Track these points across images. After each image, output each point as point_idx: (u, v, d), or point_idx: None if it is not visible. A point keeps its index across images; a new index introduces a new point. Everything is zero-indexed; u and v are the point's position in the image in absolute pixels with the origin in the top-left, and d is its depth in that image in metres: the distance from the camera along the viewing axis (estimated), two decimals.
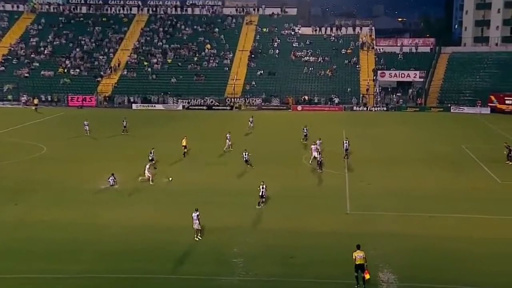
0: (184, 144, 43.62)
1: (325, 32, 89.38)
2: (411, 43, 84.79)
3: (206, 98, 76.27)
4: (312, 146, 40.00)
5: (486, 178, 37.55)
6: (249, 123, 55.20)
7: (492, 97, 70.04)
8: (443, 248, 25.28)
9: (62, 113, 70.20)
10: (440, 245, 25.71)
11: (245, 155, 39.88)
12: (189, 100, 76.23)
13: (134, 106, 76.18)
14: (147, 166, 36.60)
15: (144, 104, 76.41)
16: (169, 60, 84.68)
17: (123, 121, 54.65)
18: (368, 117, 67.31)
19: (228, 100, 76.29)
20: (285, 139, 51.71)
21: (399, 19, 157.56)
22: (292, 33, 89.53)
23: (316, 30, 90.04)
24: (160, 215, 30.24)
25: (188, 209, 30.66)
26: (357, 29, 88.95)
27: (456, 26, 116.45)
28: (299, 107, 73.82)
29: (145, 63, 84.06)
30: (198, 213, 26.49)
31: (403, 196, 33.41)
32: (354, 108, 73.42)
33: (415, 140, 51.23)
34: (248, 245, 26.00)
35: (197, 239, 26.41)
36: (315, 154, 39.58)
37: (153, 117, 66.94)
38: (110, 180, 35.47)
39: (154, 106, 76.17)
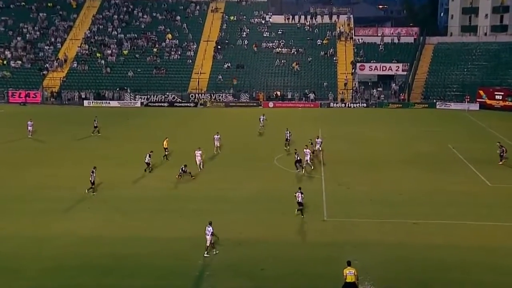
0: (165, 146, 43.64)
1: (299, 21, 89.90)
2: (393, 33, 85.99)
3: (167, 94, 75.96)
4: (305, 150, 39.88)
5: (475, 181, 38.25)
6: (260, 121, 55.14)
7: (481, 92, 71.52)
8: (429, 258, 25.58)
9: (1, 111, 68.79)
10: (426, 254, 26.00)
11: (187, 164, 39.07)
12: (148, 96, 75.70)
13: (85, 102, 75.39)
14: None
15: (98, 101, 75.71)
16: (125, 52, 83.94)
17: (94, 120, 54.05)
18: (347, 114, 67.95)
19: (192, 96, 76.03)
20: (256, 139, 51.76)
21: (380, 6, 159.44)
22: (263, 22, 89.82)
23: (288, 19, 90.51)
24: (116, 224, 29.89)
25: (148, 217, 30.61)
26: (334, 17, 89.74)
27: (442, 14, 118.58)
28: (271, 104, 74.07)
29: (98, 55, 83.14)
30: (211, 228, 25.82)
31: (384, 201, 33.76)
32: (331, 104, 74.03)
33: (397, 140, 51.92)
34: (213, 257, 25.86)
35: (207, 254, 25.76)
36: (307, 158, 39.54)
37: (108, 115, 66.16)
38: (91, 176, 34.76)
39: (109, 102, 75.46)
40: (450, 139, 51.34)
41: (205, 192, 35.52)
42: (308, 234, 28.56)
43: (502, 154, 42.52)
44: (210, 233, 25.90)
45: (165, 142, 43.82)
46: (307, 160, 39.50)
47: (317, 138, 45.06)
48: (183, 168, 38.03)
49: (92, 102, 75.45)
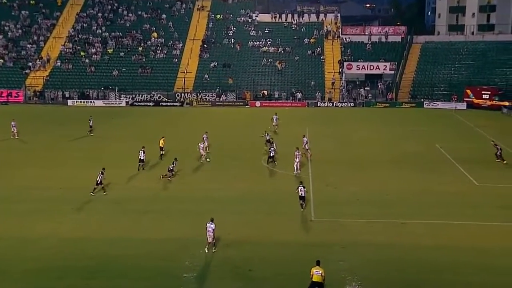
0: (161, 145, 43.74)
1: (286, 20, 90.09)
2: (380, 32, 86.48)
3: (153, 93, 75.82)
4: (296, 153, 40.01)
5: (462, 180, 38.65)
6: (274, 120, 55.26)
7: (468, 91, 72.18)
8: (417, 258, 25.85)
9: None
10: (414, 254, 26.27)
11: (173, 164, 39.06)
12: (134, 96, 75.53)
13: (69, 102, 75.10)
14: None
15: (82, 100, 75.44)
16: (110, 50, 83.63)
17: (89, 120, 53.91)
18: (334, 113, 68.25)
19: (178, 95, 75.98)
20: (243, 139, 51.87)
21: (367, 5, 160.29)
22: (249, 20, 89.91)
23: (275, 17, 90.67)
24: (103, 225, 29.90)
25: (136, 218, 30.65)
26: (321, 16, 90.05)
27: (429, 13, 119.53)
28: (258, 103, 74.22)
29: (82, 54, 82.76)
30: (214, 225, 26.25)
31: (372, 201, 34.04)
32: (319, 104, 74.33)
33: (385, 139, 52.28)
34: (201, 258, 25.99)
35: (207, 250, 26.32)
36: (297, 160, 39.60)
37: (93, 115, 65.89)
38: (98, 176, 34.90)
39: (93, 102, 75.19)
40: (437, 138, 51.80)
41: (192, 193, 35.62)
42: (296, 234, 28.73)
43: (497, 153, 43.02)
44: (212, 229, 26.26)
45: (161, 142, 43.91)
46: (297, 163, 39.35)
47: (303, 137, 45.33)
48: (171, 167, 38.02)
49: (76, 102, 75.11)
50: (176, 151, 43.85)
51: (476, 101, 71.28)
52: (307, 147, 44.40)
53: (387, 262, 25.53)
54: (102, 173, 35.10)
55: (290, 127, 57.13)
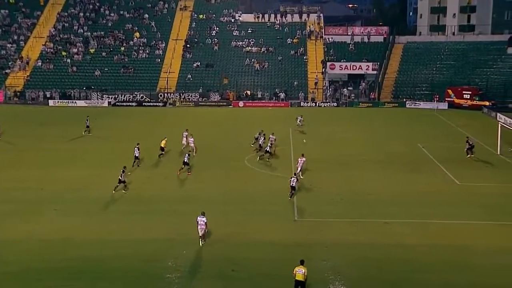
0: (162, 145, 43.83)
1: (269, 20, 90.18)
2: (363, 32, 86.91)
3: (135, 93, 75.42)
4: (299, 159, 39.82)
5: (444, 180, 38.94)
6: (298, 122, 55.13)
7: (450, 91, 72.78)
8: (400, 258, 25.98)
9: None
10: (397, 254, 26.40)
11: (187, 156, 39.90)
12: (116, 96, 75.08)
13: (51, 102, 74.45)
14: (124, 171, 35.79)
15: (63, 100, 74.85)
16: (92, 50, 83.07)
17: (86, 120, 53.57)
18: (317, 113, 68.37)
19: (161, 95, 75.67)
20: (227, 139, 51.79)
21: (350, 5, 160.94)
22: (232, 20, 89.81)
23: (258, 17, 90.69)
24: (85, 227, 29.64)
25: (118, 219, 30.44)
26: (304, 16, 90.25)
27: (410, 13, 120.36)
28: (241, 103, 74.15)
29: (64, 53, 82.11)
30: (205, 218, 26.87)
31: (355, 201, 34.17)
32: (302, 104, 74.47)
33: (368, 139, 52.48)
34: (184, 258, 25.90)
35: (201, 244, 27.03)
36: (299, 167, 39.36)
37: (74, 115, 65.47)
38: (120, 175, 35.10)
39: (75, 102, 74.63)
40: (419, 138, 52.13)
41: (175, 193, 35.50)
42: (279, 234, 28.70)
43: (468, 149, 43.92)
44: (204, 223, 26.79)
45: (163, 142, 44.05)
46: (299, 171, 38.72)
47: (271, 135, 45.60)
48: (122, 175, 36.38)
49: (58, 102, 74.45)
50: (157, 152, 43.66)
51: (457, 101, 71.88)
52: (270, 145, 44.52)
53: (370, 261, 25.61)
54: (123, 171, 35.29)
55: (274, 126, 57.11)
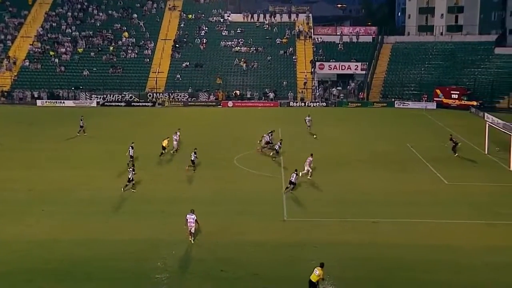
0: (164, 145, 44.07)
1: (258, 20, 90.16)
2: (351, 32, 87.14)
3: (124, 93, 75.16)
4: (308, 158, 39.88)
5: (432, 179, 39.13)
6: (306, 122, 54.92)
7: (438, 91, 73.15)
8: (388, 257, 26.07)
9: None
10: (385, 253, 26.48)
11: (194, 155, 40.44)
12: (105, 96, 74.78)
13: (39, 102, 74.03)
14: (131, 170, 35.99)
15: (51, 100, 74.46)
16: (80, 50, 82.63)
17: (80, 120, 53.24)
18: (306, 113, 68.30)
19: (150, 95, 75.46)
20: (216, 139, 51.72)
21: (339, 6, 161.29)
22: (221, 20, 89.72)
23: (247, 17, 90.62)
24: (73, 227, 29.49)
25: (105, 219, 30.33)
26: (293, 16, 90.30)
27: (399, 13, 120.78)
28: (230, 103, 74.10)
29: (51, 53, 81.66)
30: (195, 215, 27.14)
31: (344, 201, 34.25)
32: (291, 103, 74.54)
33: (357, 139, 52.61)
34: (173, 258, 25.86)
35: (192, 241, 27.32)
36: (307, 167, 39.40)
37: (62, 115, 65.23)
38: (130, 173, 35.33)
39: (63, 102, 74.27)
40: (408, 138, 52.34)
41: (163, 193, 35.38)
42: (268, 234, 28.71)
43: (452, 145, 44.97)
44: (193, 220, 27.08)
45: (165, 142, 44.24)
46: (308, 170, 38.78)
47: (265, 135, 46.08)
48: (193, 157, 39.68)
49: (46, 102, 74.03)
50: (145, 152, 43.54)
51: (445, 100, 72.26)
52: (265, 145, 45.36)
53: (359, 261, 25.69)
54: (133, 170, 35.46)
55: (263, 127, 57.15)
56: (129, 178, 35.26)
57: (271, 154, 44.37)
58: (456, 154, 44.72)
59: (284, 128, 55.09)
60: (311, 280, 21.66)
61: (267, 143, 45.86)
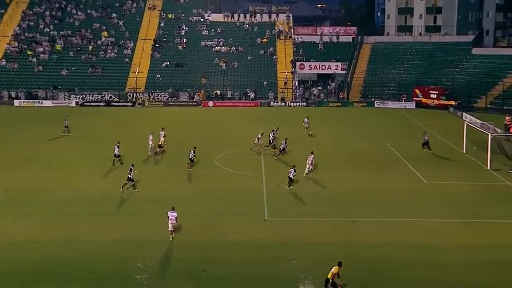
0: (160, 143, 44.65)
1: (238, 20, 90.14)
2: (331, 32, 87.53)
3: (104, 93, 74.63)
4: (309, 157, 40.10)
5: (412, 178, 39.46)
6: (304, 123, 54.84)
7: (417, 91, 73.82)
8: (369, 256, 26.22)
9: None
10: (365, 252, 26.62)
11: (192, 153, 40.98)
12: (84, 96, 74.18)
13: (16, 102, 73.18)
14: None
15: (29, 100, 73.69)
16: (58, 47, 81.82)
17: (65, 120, 52.89)
18: (287, 113, 68.64)
19: (130, 95, 75.02)
20: (196, 139, 51.57)
21: (319, 6, 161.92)
22: (201, 20, 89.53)
23: (228, 17, 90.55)
24: (52, 228, 29.22)
25: (86, 219, 30.11)
26: (273, 16, 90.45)
27: (378, 13, 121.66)
28: (211, 103, 73.99)
29: (29, 53, 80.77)
30: (176, 213, 27.46)
31: (325, 200, 34.40)
32: (272, 103, 74.66)
33: (337, 139, 52.89)
34: (154, 259, 25.75)
35: (171, 238, 27.57)
36: (310, 167, 39.70)
37: (41, 115, 64.57)
38: (129, 173, 35.18)
39: (41, 102, 73.55)
40: (388, 137, 52.70)
41: (144, 193, 35.17)
42: (249, 234, 28.73)
43: (424, 144, 45.94)
44: (175, 217, 27.39)
45: (162, 140, 44.69)
46: (310, 168, 39.43)
47: (259, 135, 46.45)
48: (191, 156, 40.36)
49: (24, 102, 73.20)
50: (128, 151, 43.27)
51: (424, 100, 72.95)
52: (261, 143, 45.96)
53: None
54: (131, 170, 35.31)
55: (243, 126, 57.26)
56: (129, 177, 35.17)
57: (275, 153, 44.88)
58: (425, 150, 45.64)
59: (265, 128, 55.07)
60: (327, 277, 22.12)
61: (273, 139, 46.67)
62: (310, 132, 53.99)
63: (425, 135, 46.95)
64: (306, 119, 55.38)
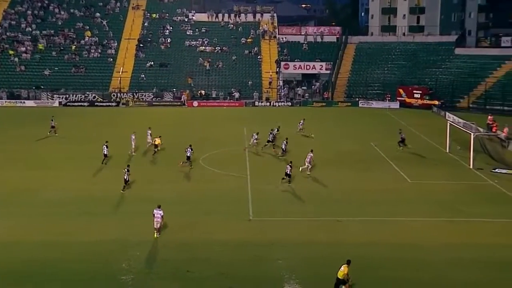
0: (156, 143, 44.66)
1: (223, 19, 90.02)
2: (316, 32, 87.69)
3: (87, 93, 74.17)
4: (308, 155, 40.25)
5: (396, 178, 39.73)
6: (299, 125, 54.53)
7: (401, 91, 74.24)
8: (353, 255, 26.11)
9: None
10: (350, 252, 26.53)
11: (189, 150, 41.13)
12: (67, 96, 73.67)
13: None
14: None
15: (11, 100, 72.98)
16: (41, 47, 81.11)
17: (51, 120, 52.43)
18: (272, 113, 68.70)
19: (114, 95, 74.64)
20: (181, 139, 51.43)
21: (303, 5, 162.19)
22: (186, 19, 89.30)
23: (212, 17, 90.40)
24: (36, 229, 29.03)
25: (70, 220, 29.92)
26: (258, 16, 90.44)
27: (362, 13, 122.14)
28: (195, 103, 73.85)
29: (11, 52, 80.00)
30: (162, 211, 27.69)
31: (310, 200, 34.52)
32: (256, 103, 74.71)
33: (321, 138, 52.97)
34: (138, 260, 25.68)
35: (156, 236, 27.73)
36: (308, 164, 39.85)
37: (23, 115, 64.00)
38: (125, 174, 35.15)
39: (24, 102, 72.89)
40: (372, 137, 52.97)
41: (129, 194, 35.06)
42: (234, 234, 28.76)
43: (400, 142, 46.64)
44: (161, 216, 27.58)
45: (158, 140, 44.79)
46: (307, 165, 39.78)
47: (255, 134, 46.61)
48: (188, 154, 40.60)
49: (5, 102, 72.48)
50: (113, 151, 43.06)
51: (408, 100, 73.39)
52: (256, 142, 46.22)
53: (324, 259, 25.90)
54: (127, 170, 35.32)
55: (228, 126, 57.23)
56: (125, 179, 35.18)
57: (276, 152, 45.35)
58: (401, 148, 46.34)
59: (249, 128, 55.10)
60: (338, 277, 22.11)
61: (274, 138, 47.13)
62: (305, 134, 53.74)
63: (401, 133, 47.50)
64: (301, 121, 55.48)
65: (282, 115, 66.51)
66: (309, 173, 39.43)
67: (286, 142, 45.24)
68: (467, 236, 28.94)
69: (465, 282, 24.05)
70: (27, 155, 44.88)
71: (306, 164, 39.69)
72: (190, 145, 41.61)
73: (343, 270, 22.09)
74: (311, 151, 40.45)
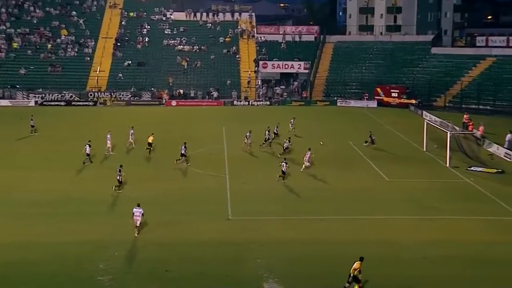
0: (150, 141, 44.69)
1: (201, 18, 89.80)
2: (294, 31, 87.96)
3: (64, 92, 73.38)
4: (307, 153, 40.30)
5: (374, 176, 40.02)
6: (290, 125, 54.33)
7: (379, 90, 74.79)
8: (332, 253, 26.49)
9: None
10: (329, 250, 26.89)
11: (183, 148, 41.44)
12: (43, 95, 72.83)
13: None
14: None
15: None
16: (15, 45, 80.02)
17: (31, 119, 51.97)
18: (250, 112, 68.74)
19: (91, 94, 73.99)
20: (162, 138, 51.18)
21: (281, 5, 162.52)
22: (164, 18, 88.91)
23: (190, 16, 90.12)
24: (9, 230, 28.61)
25: (45, 221, 29.58)
26: (236, 15, 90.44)
27: (340, 13, 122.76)
28: (174, 102, 73.54)
29: None
30: (141, 209, 27.85)
31: (288, 199, 34.64)
32: (235, 102, 74.66)
33: (300, 137, 53.11)
34: (116, 260, 25.50)
35: (136, 234, 27.81)
36: (307, 163, 39.96)
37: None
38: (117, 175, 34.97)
39: None
40: (350, 136, 53.26)
41: (106, 194, 34.74)
42: (213, 233, 28.71)
43: (368, 141, 48.06)
44: (140, 213, 27.71)
45: (151, 138, 45.01)
46: (307, 164, 40.16)
47: (248, 133, 46.70)
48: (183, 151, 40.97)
49: None
50: (92, 151, 42.72)
51: (385, 99, 73.95)
52: (249, 142, 46.44)
53: (303, 258, 26.01)
54: (120, 171, 35.12)
55: (207, 125, 57.10)
56: (119, 180, 35.01)
57: (270, 149, 46.30)
58: (366, 144, 47.93)
59: (228, 127, 55.13)
60: (349, 274, 22.40)
61: (275, 135, 48.45)
62: (295, 133, 53.86)
63: (371, 135, 48.51)
64: (292, 120, 55.53)
65: (261, 114, 66.58)
66: (302, 170, 39.88)
67: (289, 142, 45.46)
68: (444, 233, 29.26)
69: (441, 278, 24.29)
70: (2, 155, 44.21)
71: (306, 163, 40.05)
72: (185, 143, 41.76)
73: (354, 267, 22.43)
74: (309, 149, 40.63)
